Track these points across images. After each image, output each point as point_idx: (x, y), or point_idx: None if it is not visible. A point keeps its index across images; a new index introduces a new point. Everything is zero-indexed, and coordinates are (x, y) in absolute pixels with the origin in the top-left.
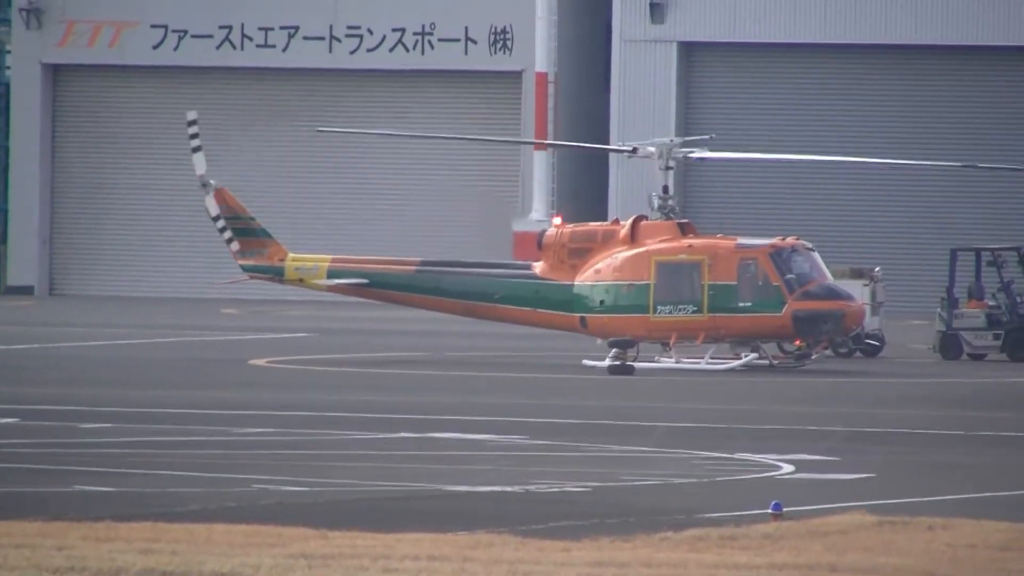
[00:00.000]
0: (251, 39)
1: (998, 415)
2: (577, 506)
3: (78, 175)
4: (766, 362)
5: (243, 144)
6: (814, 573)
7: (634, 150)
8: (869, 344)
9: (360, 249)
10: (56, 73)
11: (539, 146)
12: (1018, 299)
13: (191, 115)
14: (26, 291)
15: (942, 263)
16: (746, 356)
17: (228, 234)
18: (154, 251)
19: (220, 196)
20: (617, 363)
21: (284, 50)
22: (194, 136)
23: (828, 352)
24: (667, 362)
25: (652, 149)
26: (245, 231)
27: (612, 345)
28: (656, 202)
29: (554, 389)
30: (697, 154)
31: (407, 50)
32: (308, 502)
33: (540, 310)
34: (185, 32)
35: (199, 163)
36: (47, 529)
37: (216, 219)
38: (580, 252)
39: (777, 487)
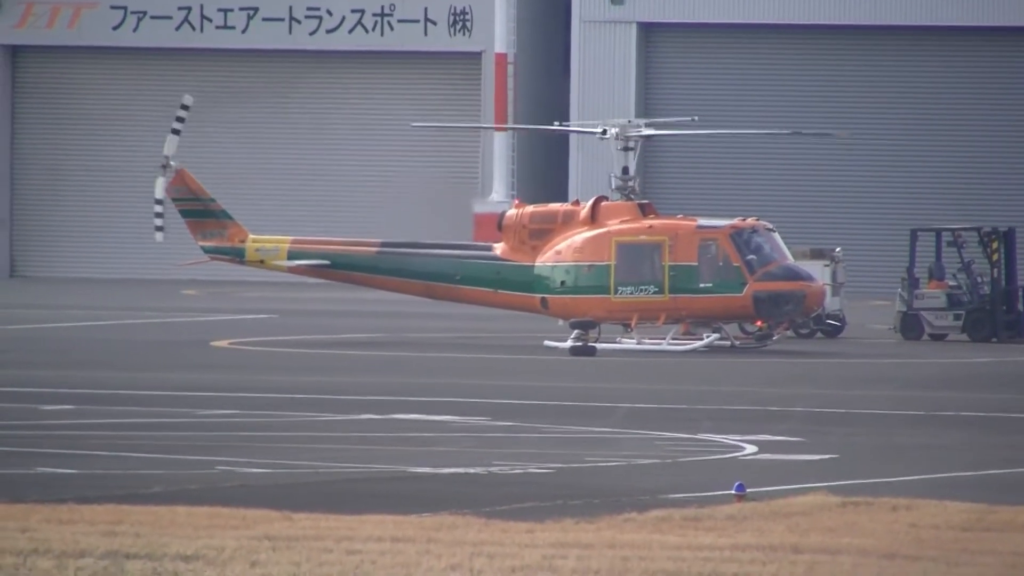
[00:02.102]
0: (210, 20)
1: (959, 395)
2: (540, 487)
3: (38, 157)
4: (728, 343)
5: (203, 126)
6: (777, 554)
7: (604, 132)
8: (830, 325)
9: (321, 230)
10: (15, 55)
11: (500, 128)
12: (979, 279)
13: (187, 99)
14: None
15: (903, 243)
16: (707, 337)
17: (159, 222)
18: (115, 232)
19: (180, 178)
20: (579, 344)
21: (243, 31)
22: (180, 120)
23: (789, 333)
24: (628, 343)
25: (615, 130)
26: (205, 213)
27: (573, 326)
28: (616, 183)
29: (516, 370)
30: (646, 131)
31: (366, 31)
32: (271, 484)
33: (501, 291)
34: (144, 13)
35: (170, 144)
36: (10, 511)
37: (158, 202)
38: (541, 233)
39: (740, 468)
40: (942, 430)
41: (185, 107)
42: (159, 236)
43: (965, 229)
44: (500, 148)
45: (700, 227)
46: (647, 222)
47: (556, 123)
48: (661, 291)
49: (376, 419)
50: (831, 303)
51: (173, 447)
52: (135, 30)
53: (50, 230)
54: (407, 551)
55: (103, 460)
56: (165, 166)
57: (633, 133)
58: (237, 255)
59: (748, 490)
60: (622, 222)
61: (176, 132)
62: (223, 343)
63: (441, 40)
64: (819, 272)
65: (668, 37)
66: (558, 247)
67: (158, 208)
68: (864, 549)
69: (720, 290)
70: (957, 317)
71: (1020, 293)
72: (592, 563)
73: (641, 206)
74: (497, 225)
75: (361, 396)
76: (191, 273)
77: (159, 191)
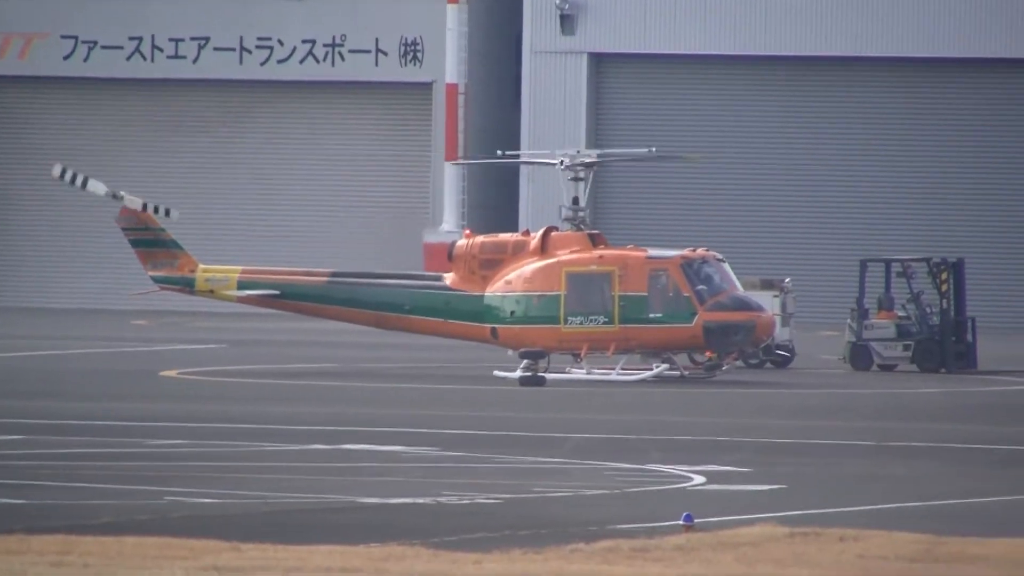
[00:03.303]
0: (161, 50)
1: (908, 426)
2: (489, 518)
3: None
4: (677, 373)
5: (153, 155)
6: None
7: (560, 162)
8: (779, 355)
9: (271, 260)
10: None
11: (450, 157)
12: (928, 310)
13: (56, 170)
14: None
15: (852, 274)
16: (657, 367)
17: (68, 174)
18: (64, 262)
19: (129, 208)
20: (528, 374)
21: (194, 61)
22: (71, 182)
23: (739, 363)
24: (578, 373)
25: (566, 157)
26: (155, 243)
27: (523, 356)
28: (566, 213)
29: (465, 400)
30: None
31: (317, 61)
32: (220, 514)
33: (451, 321)
34: (95, 43)
35: (97, 188)
36: None
37: (84, 184)
38: (491, 263)
39: (688, 498)
40: (891, 461)
41: (168, 213)
42: (56, 168)
43: (914, 260)
44: (450, 178)
45: (650, 257)
46: (597, 252)
47: (500, 152)
48: (611, 321)
49: (325, 449)
50: (781, 333)
51: (122, 477)
52: (86, 60)
53: None
54: None
55: (52, 490)
56: (115, 196)
57: (585, 160)
58: (187, 285)
59: (696, 521)
60: (572, 252)
61: (84, 183)
62: (172, 373)
63: (392, 71)
64: (769, 302)
65: (619, 67)
66: (508, 277)
67: (78, 179)
68: None
69: (670, 320)
70: (906, 348)
71: (969, 324)
72: None
73: (591, 236)
74: (447, 255)
75: (310, 426)
76: (141, 303)
77: (92, 186)
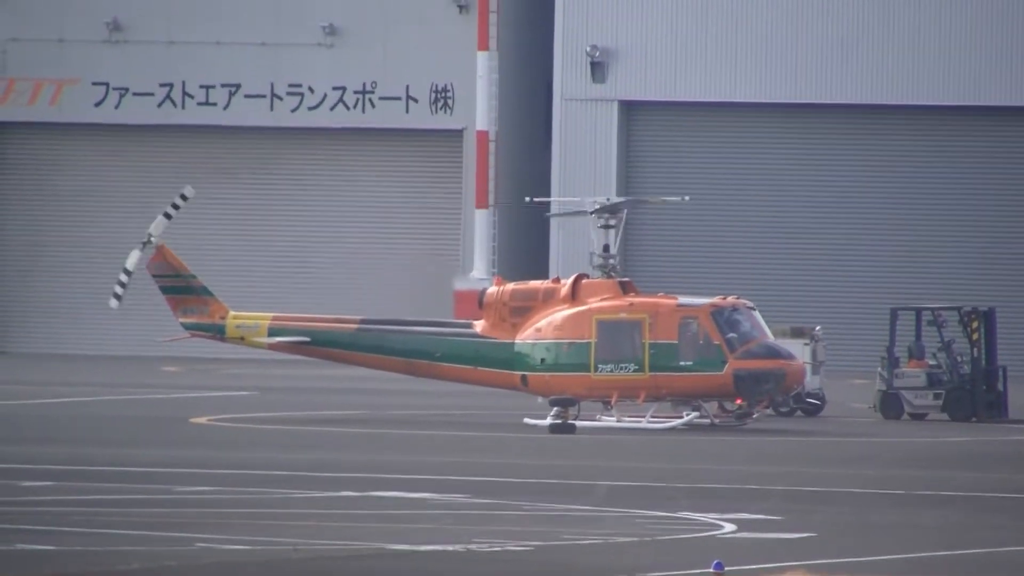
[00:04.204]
0: (192, 97)
1: (938, 474)
2: (519, 565)
3: (18, 233)
4: (707, 421)
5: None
6: None
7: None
8: (810, 403)
9: (301, 307)
10: None
11: (480, 204)
12: (958, 359)
13: (188, 191)
14: None
15: (883, 322)
16: (687, 415)
17: (119, 289)
18: (94, 308)
19: (161, 254)
20: (558, 422)
21: (225, 108)
22: (176, 207)
23: (769, 411)
24: (608, 421)
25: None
26: (186, 289)
27: (553, 404)
28: (597, 260)
29: (495, 448)
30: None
31: (348, 108)
32: (250, 561)
33: (481, 368)
34: (126, 90)
35: (158, 225)
36: None
37: (126, 272)
38: (521, 310)
39: (719, 546)
40: (920, 509)
41: (184, 197)
42: (113, 303)
43: (945, 308)
44: (481, 225)
45: (680, 305)
46: (627, 300)
47: (528, 199)
48: (641, 369)
49: (355, 496)
50: (811, 381)
51: (152, 524)
52: (117, 107)
53: (31, 306)
54: None
55: (82, 536)
56: (146, 242)
57: (615, 207)
58: (217, 331)
59: (727, 569)
60: (602, 300)
61: (168, 216)
62: (203, 419)
63: (423, 117)
64: (799, 350)
65: (650, 115)
66: (538, 324)
67: (123, 277)
68: None
69: (700, 368)
70: (937, 396)
71: (1000, 373)
72: None
73: (621, 284)
74: (478, 302)
75: (340, 473)
76: (172, 350)
77: (131, 263)
